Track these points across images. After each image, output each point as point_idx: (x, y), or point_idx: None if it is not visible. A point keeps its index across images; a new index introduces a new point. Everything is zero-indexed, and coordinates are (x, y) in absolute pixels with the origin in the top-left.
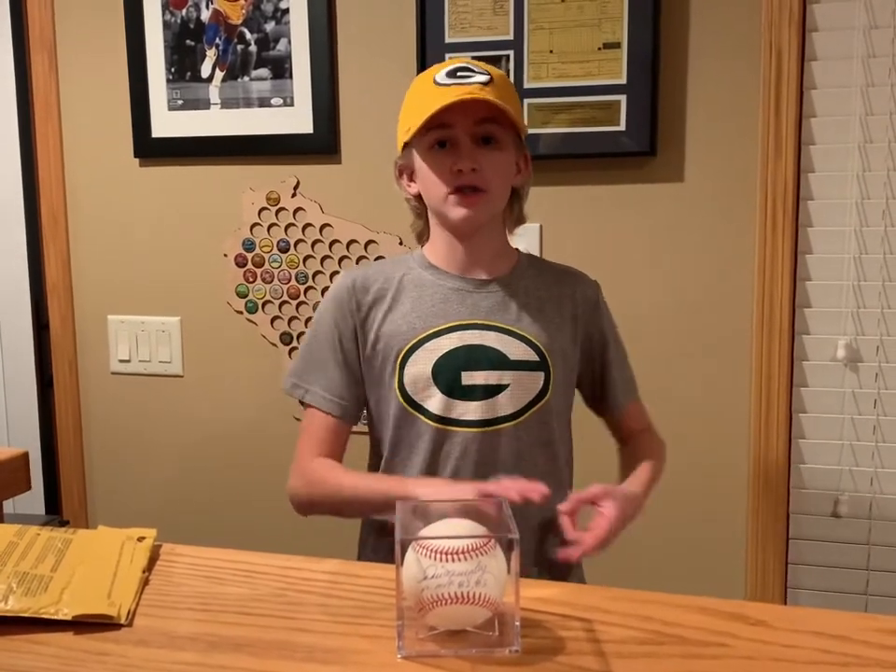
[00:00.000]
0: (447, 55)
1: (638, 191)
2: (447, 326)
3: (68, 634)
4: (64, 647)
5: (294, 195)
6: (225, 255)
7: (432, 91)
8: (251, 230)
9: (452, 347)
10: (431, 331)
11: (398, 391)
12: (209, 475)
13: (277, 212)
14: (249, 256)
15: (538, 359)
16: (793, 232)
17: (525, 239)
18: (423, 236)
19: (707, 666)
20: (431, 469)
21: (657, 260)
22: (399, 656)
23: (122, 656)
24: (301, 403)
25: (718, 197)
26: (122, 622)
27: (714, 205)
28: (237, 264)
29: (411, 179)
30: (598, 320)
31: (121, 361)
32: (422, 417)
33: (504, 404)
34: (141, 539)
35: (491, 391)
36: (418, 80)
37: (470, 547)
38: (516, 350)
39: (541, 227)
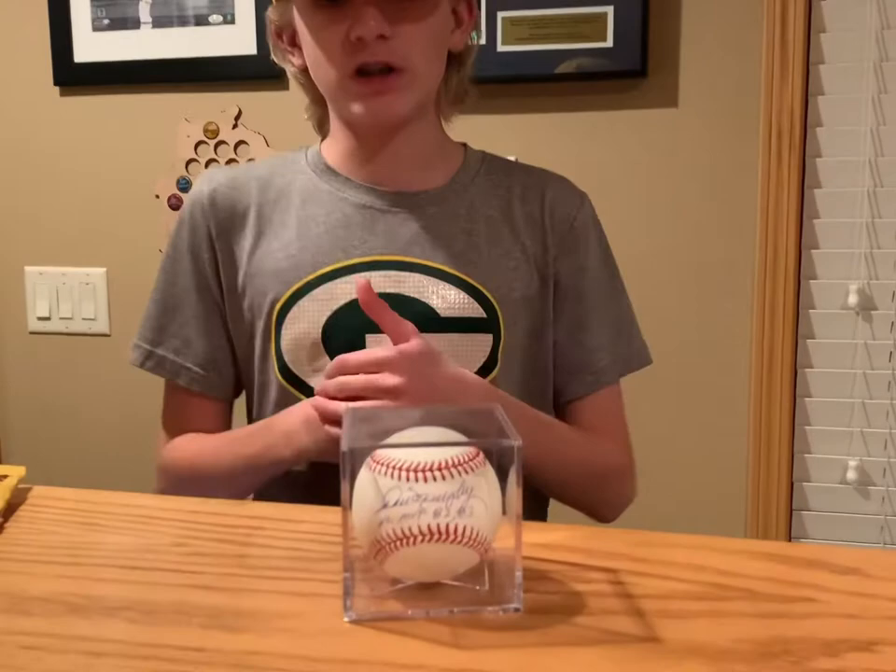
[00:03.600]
0: None
1: (627, 118)
2: (347, 264)
3: None
4: None
5: (235, 126)
6: (157, 196)
7: None
8: (187, 167)
9: (354, 297)
10: (323, 271)
11: (274, 361)
12: (138, 441)
13: (216, 146)
14: (185, 197)
15: (483, 315)
16: (800, 164)
17: None
18: (325, 125)
19: (796, 628)
20: (324, 479)
21: (647, 196)
22: (345, 619)
23: None
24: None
25: (716, 123)
26: None
27: (712, 133)
28: (171, 207)
29: (293, 44)
30: (575, 252)
31: (40, 319)
32: (303, 398)
33: None
34: (3, 477)
35: None
36: None
37: (451, 462)
38: (452, 301)
39: (516, 159)
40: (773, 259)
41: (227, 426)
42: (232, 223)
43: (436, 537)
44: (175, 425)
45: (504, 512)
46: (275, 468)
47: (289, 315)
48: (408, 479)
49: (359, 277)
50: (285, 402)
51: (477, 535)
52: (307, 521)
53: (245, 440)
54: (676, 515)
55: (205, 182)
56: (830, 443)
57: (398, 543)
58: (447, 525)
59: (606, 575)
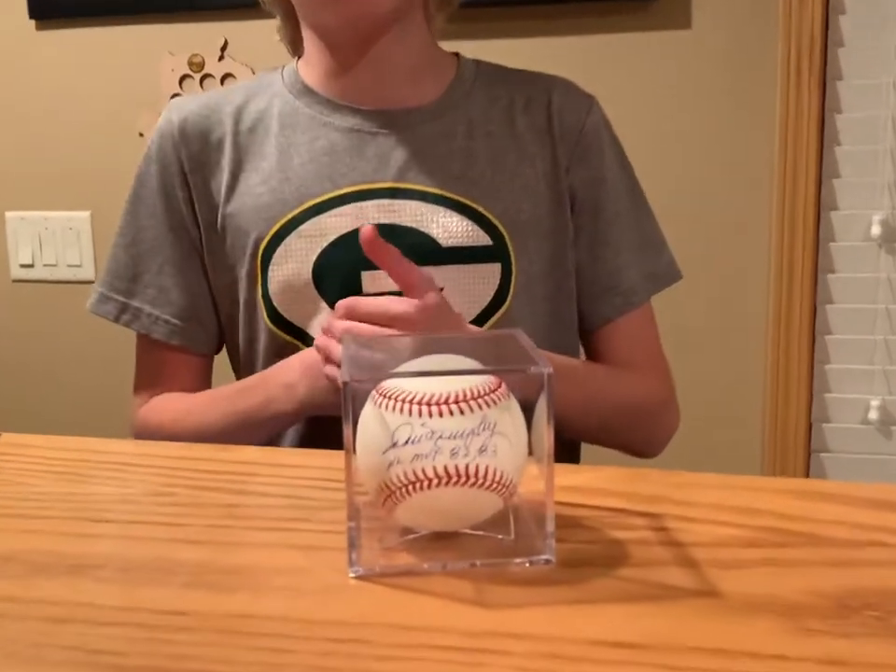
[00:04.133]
0: None
1: (635, 42)
2: (336, 194)
3: None
4: None
5: (222, 58)
6: (141, 134)
7: None
8: None
9: (345, 231)
10: (310, 204)
11: (262, 307)
12: (126, 391)
13: (202, 79)
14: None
15: (489, 242)
16: (821, 86)
17: None
18: (298, 45)
19: (873, 578)
20: (325, 431)
21: (659, 124)
22: (351, 575)
23: None
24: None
25: (732, 46)
26: None
27: (727, 56)
28: None
29: None
30: (588, 161)
31: (23, 266)
32: (300, 345)
33: None
34: None
35: None
36: None
37: (470, 393)
38: (454, 229)
39: None
40: (792, 189)
41: (208, 383)
42: (207, 156)
43: (454, 479)
44: (151, 384)
45: (531, 453)
46: (275, 423)
47: (276, 256)
48: (420, 413)
49: (351, 209)
50: (277, 352)
51: (501, 477)
52: (305, 466)
53: (239, 395)
54: (686, 458)
55: (173, 111)
56: (851, 382)
57: (409, 488)
58: (466, 466)
59: (648, 521)
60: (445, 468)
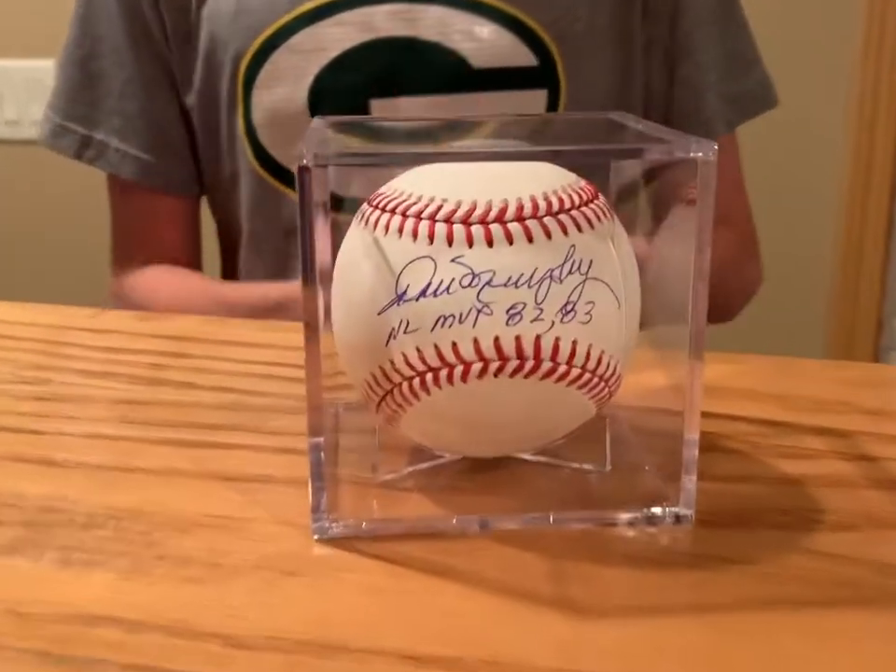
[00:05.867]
0: None
1: None
2: None
3: None
4: None
5: None
6: None
7: None
8: None
9: (350, 45)
10: (303, 10)
11: (245, 140)
12: (97, 260)
13: None
14: None
15: (534, 63)
16: None
17: None
18: None
19: None
20: None
21: None
22: (315, 537)
23: None
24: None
25: None
26: None
27: None
28: None
29: None
30: None
31: None
32: (294, 195)
33: None
34: None
35: None
36: None
37: (545, 205)
38: (491, 44)
39: None
40: (878, 37)
41: (198, 232)
42: None
43: (511, 364)
44: (130, 242)
45: (642, 325)
46: None
47: (261, 76)
48: (450, 239)
49: (356, 16)
50: (260, 200)
51: (598, 362)
52: (257, 344)
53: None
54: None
55: None
56: None
57: (428, 378)
58: (536, 341)
59: (833, 443)
60: (496, 342)
